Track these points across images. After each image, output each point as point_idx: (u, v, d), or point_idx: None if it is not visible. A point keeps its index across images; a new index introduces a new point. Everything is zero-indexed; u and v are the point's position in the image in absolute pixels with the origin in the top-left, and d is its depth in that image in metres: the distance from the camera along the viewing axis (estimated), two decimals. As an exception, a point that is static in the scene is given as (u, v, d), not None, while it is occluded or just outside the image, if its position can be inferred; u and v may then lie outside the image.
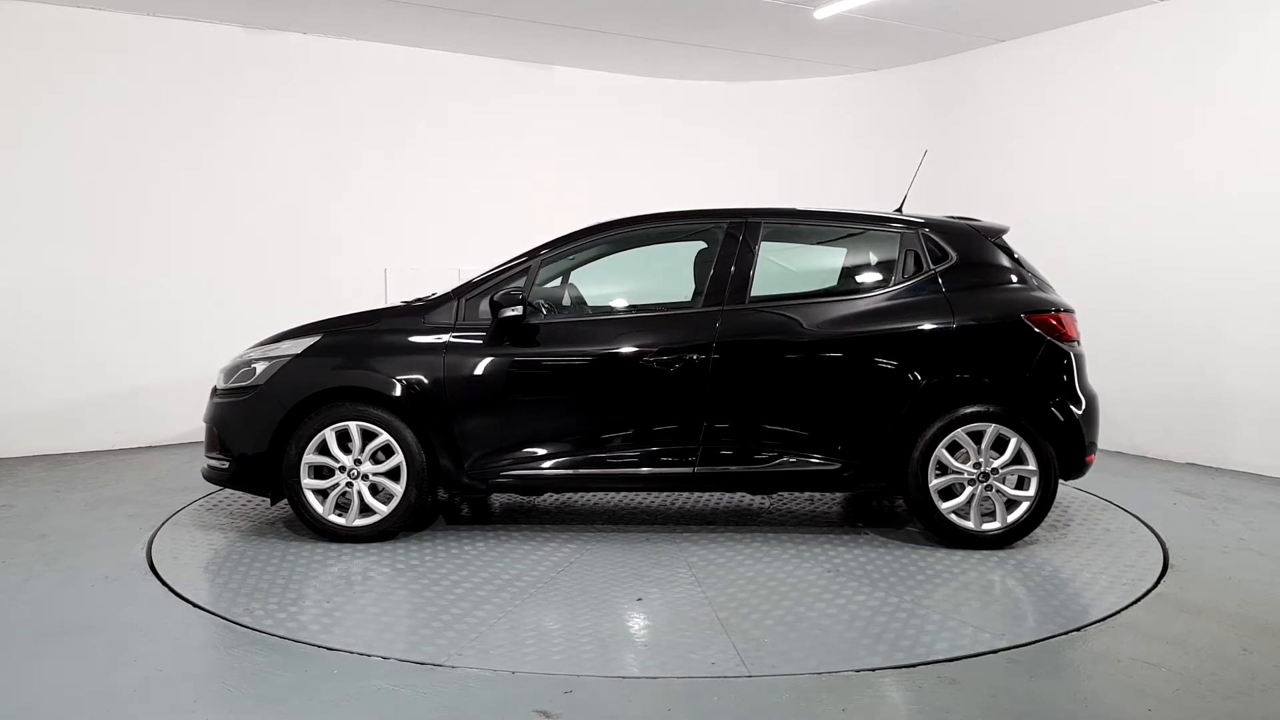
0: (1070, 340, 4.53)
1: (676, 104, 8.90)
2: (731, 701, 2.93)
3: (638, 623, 3.64)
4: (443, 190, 7.96)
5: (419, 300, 4.85)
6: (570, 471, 4.51)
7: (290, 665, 3.18)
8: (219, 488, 5.10)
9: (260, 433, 4.46)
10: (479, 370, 4.47)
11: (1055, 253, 7.18)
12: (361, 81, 7.61)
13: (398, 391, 4.42)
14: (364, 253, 7.62)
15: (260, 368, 4.55)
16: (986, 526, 4.44)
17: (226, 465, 4.56)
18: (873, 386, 4.45)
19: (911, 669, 3.16)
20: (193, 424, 4.85)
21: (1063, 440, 4.43)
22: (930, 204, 8.19)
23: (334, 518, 4.48)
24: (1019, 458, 4.40)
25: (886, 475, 4.50)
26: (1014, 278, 4.64)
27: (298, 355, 4.52)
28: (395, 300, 6.47)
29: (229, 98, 7.14)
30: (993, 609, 3.73)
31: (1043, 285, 4.71)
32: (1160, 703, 2.91)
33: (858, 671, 3.13)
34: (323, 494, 4.48)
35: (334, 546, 4.44)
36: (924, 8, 6.64)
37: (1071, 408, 4.44)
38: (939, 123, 8.14)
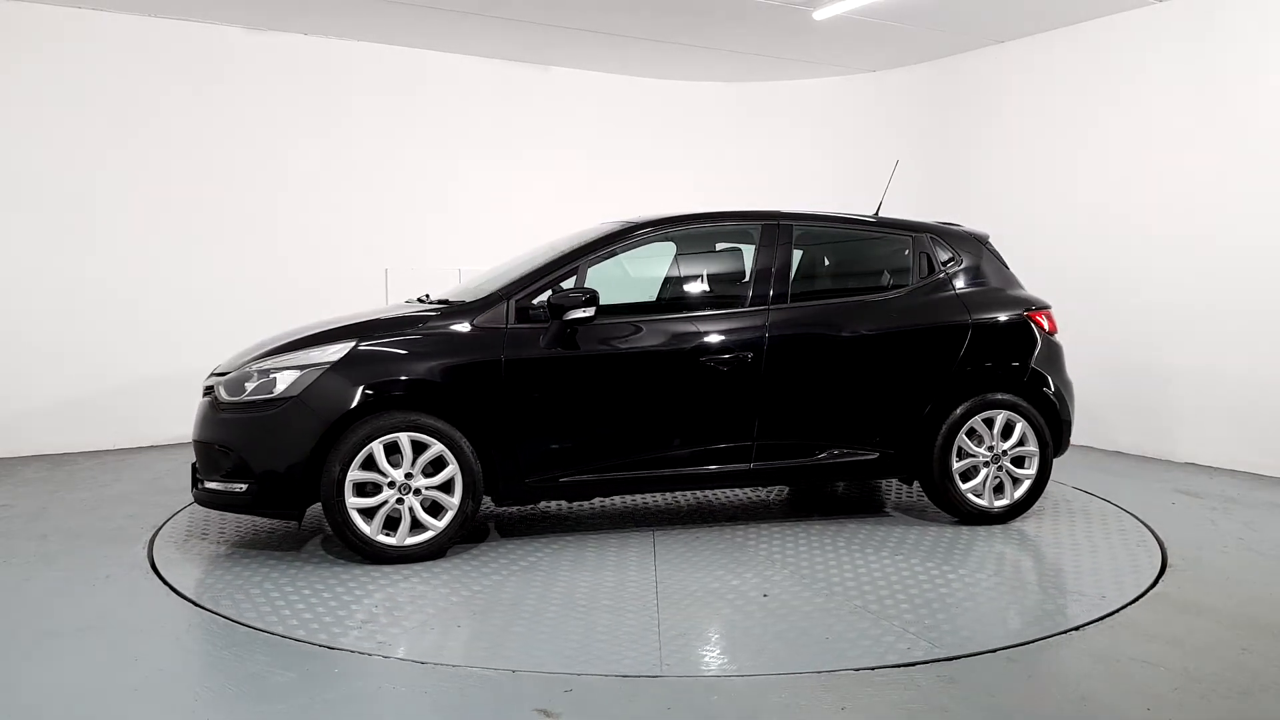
0: (1054, 333, 5.09)
1: (676, 104, 8.90)
2: (732, 701, 2.93)
3: (801, 616, 3.64)
4: (442, 190, 7.96)
5: (423, 298, 4.81)
6: (632, 474, 4.49)
7: (290, 665, 3.18)
8: None
9: (295, 449, 4.08)
10: (540, 373, 4.32)
11: (1054, 252, 7.20)
12: (361, 82, 7.61)
13: (453, 398, 4.21)
14: (364, 253, 7.62)
15: (287, 378, 4.14)
16: (997, 503, 4.87)
17: (244, 488, 4.14)
18: (906, 379, 4.78)
19: (911, 668, 3.16)
20: (191, 424, 4.68)
21: (1054, 422, 4.96)
22: (931, 205, 8.22)
23: (383, 538, 4.16)
24: (1022, 439, 4.87)
25: (914, 461, 4.80)
26: (1004, 278, 5.14)
27: (334, 363, 4.15)
28: (394, 299, 6.49)
29: (229, 98, 7.15)
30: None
31: (1019, 285, 5.19)
32: (1160, 703, 2.91)
33: (857, 671, 3.14)
34: (367, 513, 4.15)
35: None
36: (924, 8, 6.65)
37: (1062, 393, 5.01)
38: (938, 123, 8.14)
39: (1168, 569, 4.20)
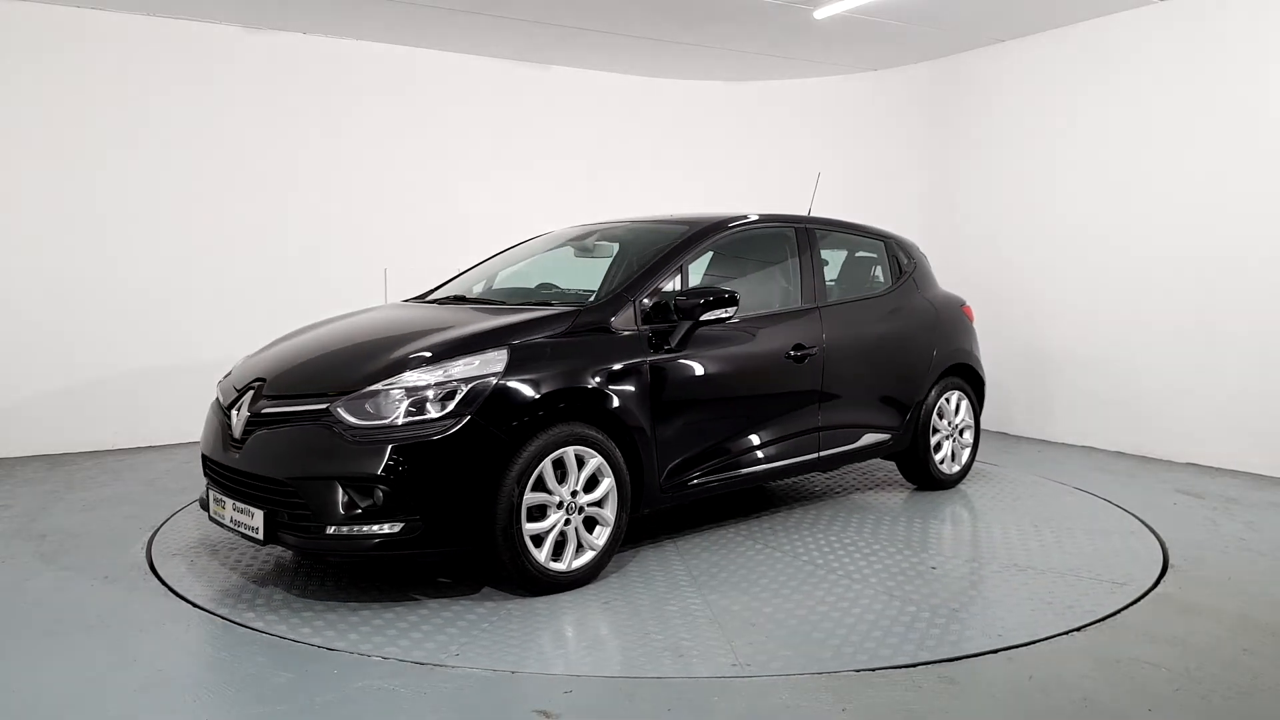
0: (972, 322, 5.93)
1: (676, 104, 8.90)
2: (732, 701, 2.93)
3: (1011, 583, 4.03)
4: (442, 190, 7.95)
5: (458, 295, 4.78)
6: (735, 472, 4.54)
7: (290, 665, 3.17)
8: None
9: (475, 475, 3.63)
10: (676, 376, 4.24)
11: (1052, 252, 7.20)
12: (361, 81, 7.60)
13: (609, 405, 3.97)
14: (364, 253, 7.61)
15: (454, 394, 3.62)
16: (953, 470, 5.72)
17: (398, 528, 3.53)
18: (909, 367, 5.42)
19: (911, 669, 3.16)
20: (191, 424, 4.49)
21: (980, 397, 5.92)
22: (931, 203, 8.21)
23: (554, 565, 3.84)
24: (965, 413, 5.75)
25: (907, 439, 5.42)
26: (932, 278, 5.86)
27: (502, 374, 3.73)
28: (393, 299, 6.47)
29: (228, 97, 7.14)
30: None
31: (938, 284, 5.94)
32: (1160, 703, 2.91)
33: (858, 671, 3.13)
34: (537, 538, 3.80)
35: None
36: (924, 8, 6.64)
37: (983, 371, 5.91)
38: (938, 122, 8.14)
39: (1169, 569, 4.20)
